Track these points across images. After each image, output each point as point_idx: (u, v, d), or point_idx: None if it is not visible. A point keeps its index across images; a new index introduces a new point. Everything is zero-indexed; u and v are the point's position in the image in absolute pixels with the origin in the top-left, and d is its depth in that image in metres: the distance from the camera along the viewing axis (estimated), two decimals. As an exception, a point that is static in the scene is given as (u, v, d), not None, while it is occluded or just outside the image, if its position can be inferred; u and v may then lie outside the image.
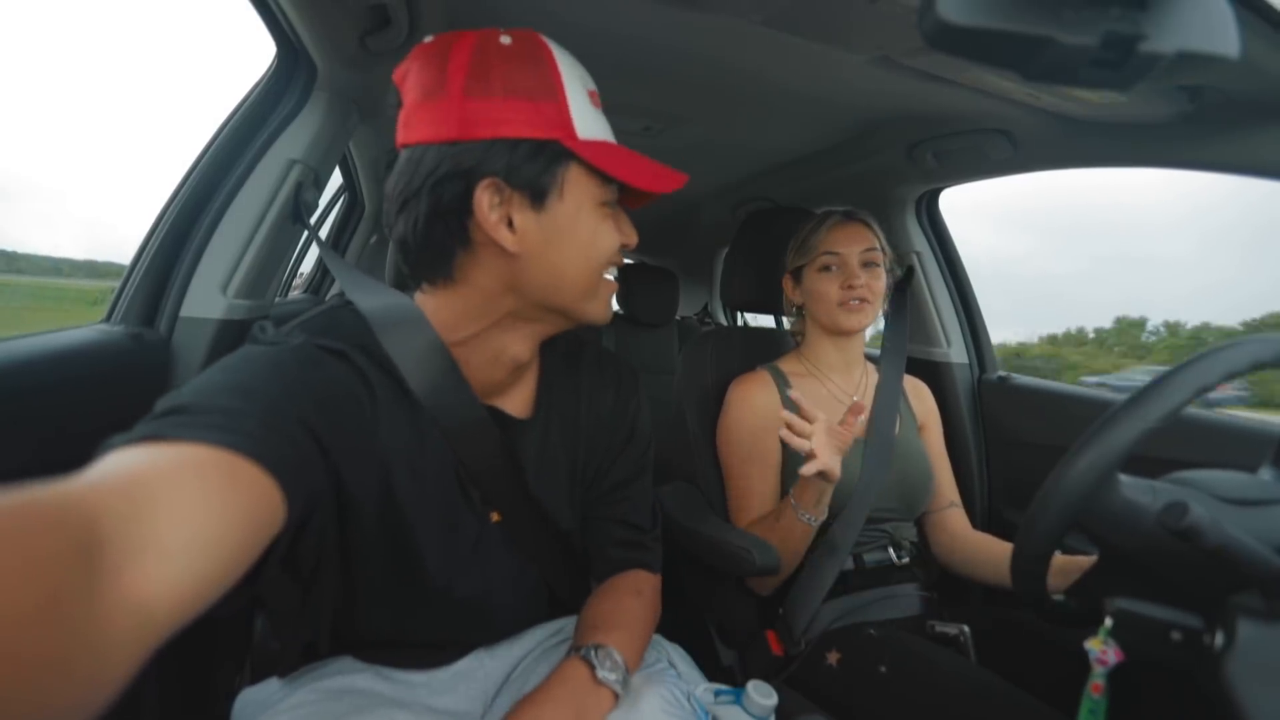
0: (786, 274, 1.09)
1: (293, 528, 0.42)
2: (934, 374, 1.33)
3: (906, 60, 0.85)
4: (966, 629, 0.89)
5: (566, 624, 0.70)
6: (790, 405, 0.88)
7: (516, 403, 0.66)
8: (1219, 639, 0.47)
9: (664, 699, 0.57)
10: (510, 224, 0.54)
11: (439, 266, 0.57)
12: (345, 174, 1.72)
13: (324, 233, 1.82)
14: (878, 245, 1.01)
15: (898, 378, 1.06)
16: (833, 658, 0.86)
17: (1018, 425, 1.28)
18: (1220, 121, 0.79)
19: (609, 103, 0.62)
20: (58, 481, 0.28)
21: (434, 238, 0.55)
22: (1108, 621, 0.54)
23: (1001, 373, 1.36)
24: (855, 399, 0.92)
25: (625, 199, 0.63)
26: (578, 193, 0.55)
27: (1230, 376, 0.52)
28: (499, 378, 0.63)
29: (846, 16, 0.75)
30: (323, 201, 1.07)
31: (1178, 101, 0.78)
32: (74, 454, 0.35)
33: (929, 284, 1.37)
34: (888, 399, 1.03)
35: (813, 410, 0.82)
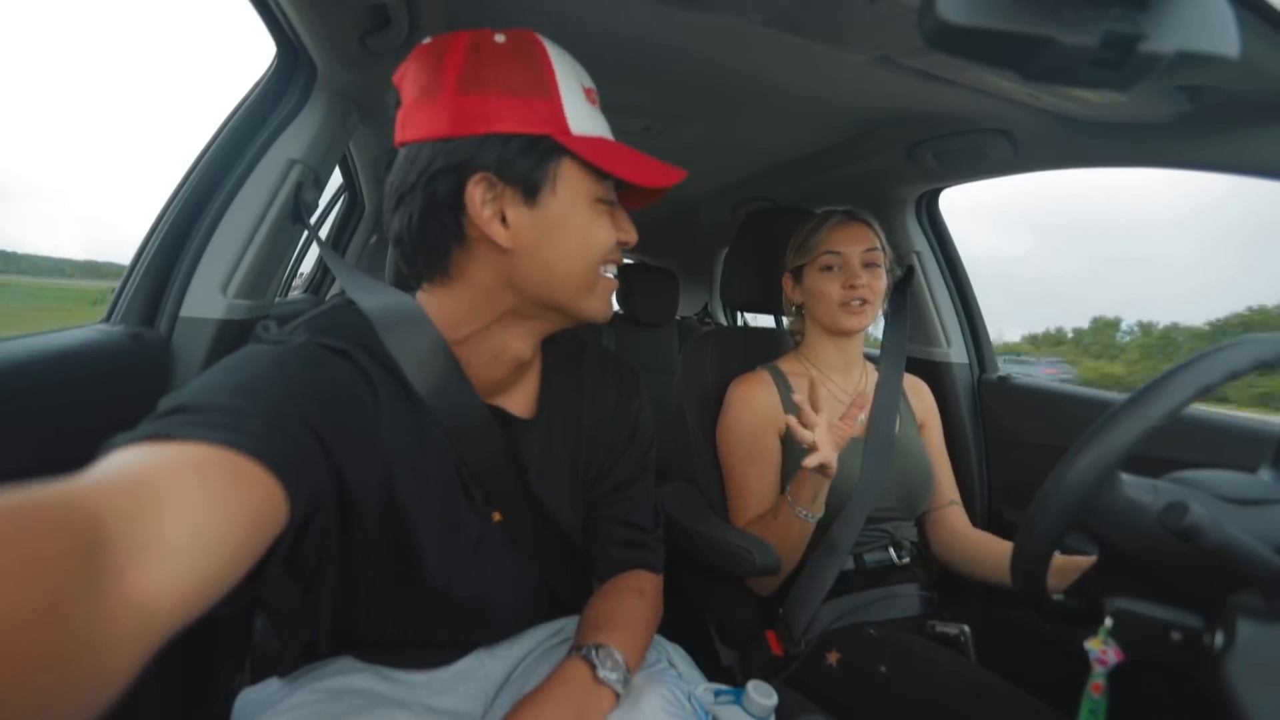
0: (786, 273, 1.09)
1: (295, 527, 0.42)
2: (934, 374, 1.33)
3: (906, 60, 0.85)
4: (966, 629, 0.89)
5: (567, 624, 0.70)
6: (793, 409, 0.88)
7: (519, 402, 0.66)
8: (1219, 639, 0.47)
9: (664, 699, 0.57)
10: (504, 219, 0.54)
11: (436, 263, 0.57)
12: (345, 174, 1.71)
13: (324, 232, 1.82)
14: (879, 245, 1.01)
15: (897, 377, 1.06)
16: (833, 658, 0.86)
17: (1018, 425, 1.28)
18: (1220, 121, 0.79)
19: (609, 102, 0.62)
20: (59, 481, 0.27)
21: (429, 234, 0.55)
22: (1108, 621, 0.54)
23: (1001, 373, 1.36)
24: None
25: (626, 198, 0.63)
26: (571, 188, 0.56)
27: (1232, 376, 0.52)
28: (500, 376, 0.63)
29: (847, 16, 0.75)
30: (323, 201, 1.07)
31: (1178, 101, 0.78)
32: (74, 454, 0.35)
33: (929, 284, 1.37)
34: (887, 398, 1.03)
35: (812, 414, 0.82)
